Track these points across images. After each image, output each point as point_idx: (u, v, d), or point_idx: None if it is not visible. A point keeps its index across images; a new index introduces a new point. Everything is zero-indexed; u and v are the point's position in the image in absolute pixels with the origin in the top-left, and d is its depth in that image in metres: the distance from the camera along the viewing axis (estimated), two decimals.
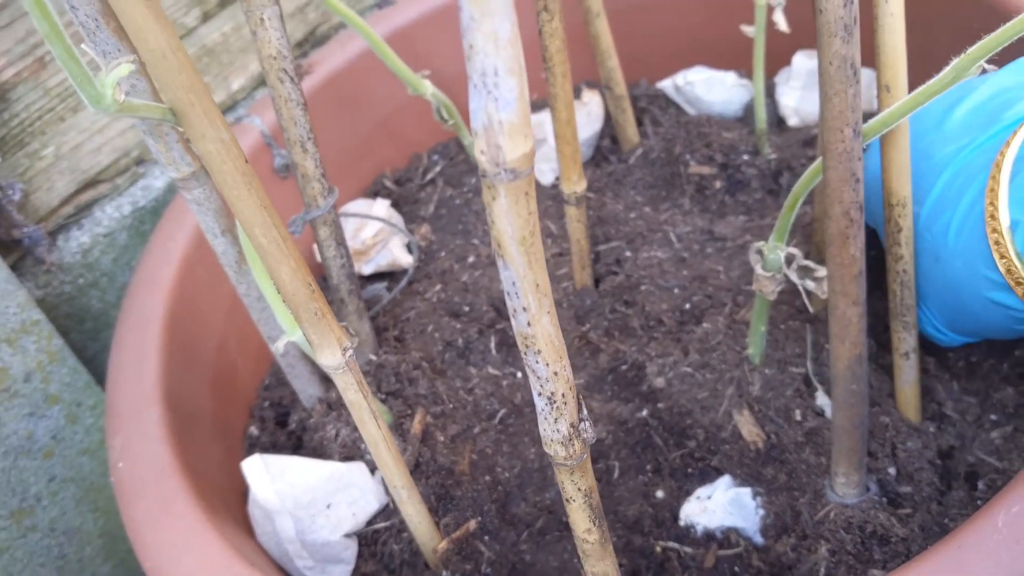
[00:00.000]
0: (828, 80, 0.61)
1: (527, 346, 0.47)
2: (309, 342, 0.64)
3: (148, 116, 0.47)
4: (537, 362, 0.48)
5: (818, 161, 0.67)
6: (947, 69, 0.58)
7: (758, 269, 0.78)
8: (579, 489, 0.56)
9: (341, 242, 0.87)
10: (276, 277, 0.59)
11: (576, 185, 0.93)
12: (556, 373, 0.49)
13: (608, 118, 1.17)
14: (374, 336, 0.96)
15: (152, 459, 0.81)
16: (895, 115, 0.63)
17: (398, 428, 0.90)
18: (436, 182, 1.20)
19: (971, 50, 0.56)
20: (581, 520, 0.58)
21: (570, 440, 0.52)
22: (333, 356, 0.65)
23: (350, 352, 0.65)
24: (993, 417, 0.83)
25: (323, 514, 0.84)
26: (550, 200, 1.13)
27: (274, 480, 0.83)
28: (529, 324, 0.46)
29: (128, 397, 0.86)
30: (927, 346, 0.87)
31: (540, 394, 0.50)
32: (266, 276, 0.77)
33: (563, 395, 0.50)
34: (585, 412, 0.53)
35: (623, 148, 1.17)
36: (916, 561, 0.61)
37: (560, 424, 0.51)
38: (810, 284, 0.78)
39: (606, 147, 1.19)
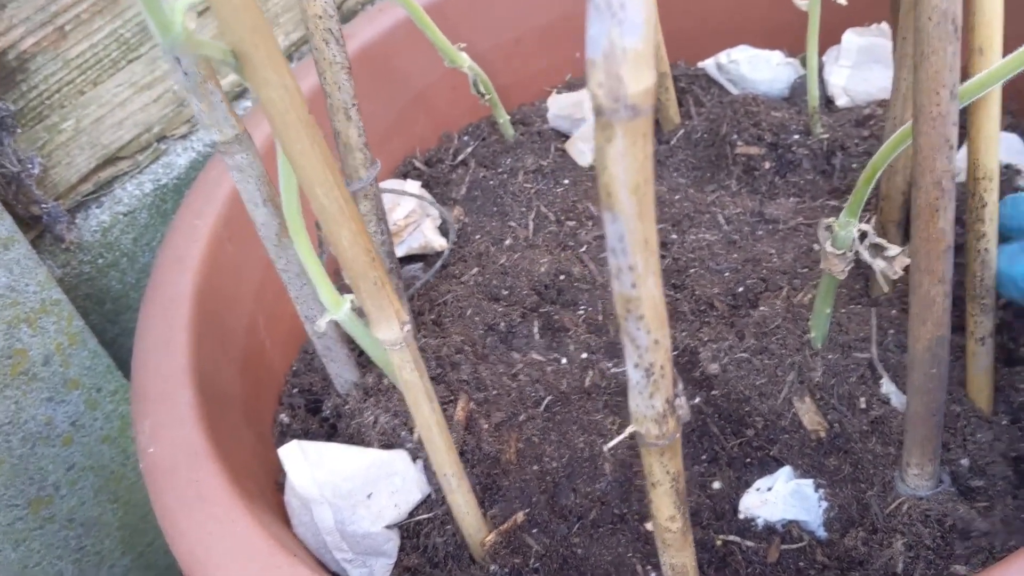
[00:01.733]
0: (925, 37, 0.57)
1: (628, 311, 0.43)
2: (367, 314, 0.59)
3: (213, 55, 0.43)
4: (638, 329, 0.43)
5: (905, 127, 0.63)
6: None
7: (828, 246, 0.73)
8: (667, 472, 0.51)
9: (382, 217, 0.83)
10: (335, 242, 0.55)
11: None
12: (657, 342, 0.44)
13: None
14: (412, 319, 0.92)
15: (184, 444, 0.76)
16: (993, 77, 0.59)
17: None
18: (468, 163, 1.16)
19: None
20: (665, 507, 0.54)
21: (664, 417, 0.48)
22: (391, 330, 0.60)
23: (408, 327, 0.61)
24: None
25: (364, 504, 0.79)
26: (590, 182, 1.09)
27: (313, 468, 0.79)
28: (634, 285, 0.41)
29: (157, 379, 0.82)
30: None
31: (637, 365, 0.45)
32: (310, 249, 0.73)
33: (661, 367, 0.46)
34: (680, 387, 0.48)
35: (664, 129, 1.13)
36: (1011, 560, 0.57)
37: (656, 399, 0.47)
38: (880, 263, 0.74)
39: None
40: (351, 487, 0.79)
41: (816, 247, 0.93)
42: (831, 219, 0.73)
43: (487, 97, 1.05)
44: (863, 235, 0.72)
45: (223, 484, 0.73)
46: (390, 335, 0.60)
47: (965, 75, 0.62)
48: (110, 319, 1.06)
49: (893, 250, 0.73)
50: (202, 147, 1.10)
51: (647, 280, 0.41)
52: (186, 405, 0.79)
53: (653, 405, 0.47)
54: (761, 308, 0.87)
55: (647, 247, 0.40)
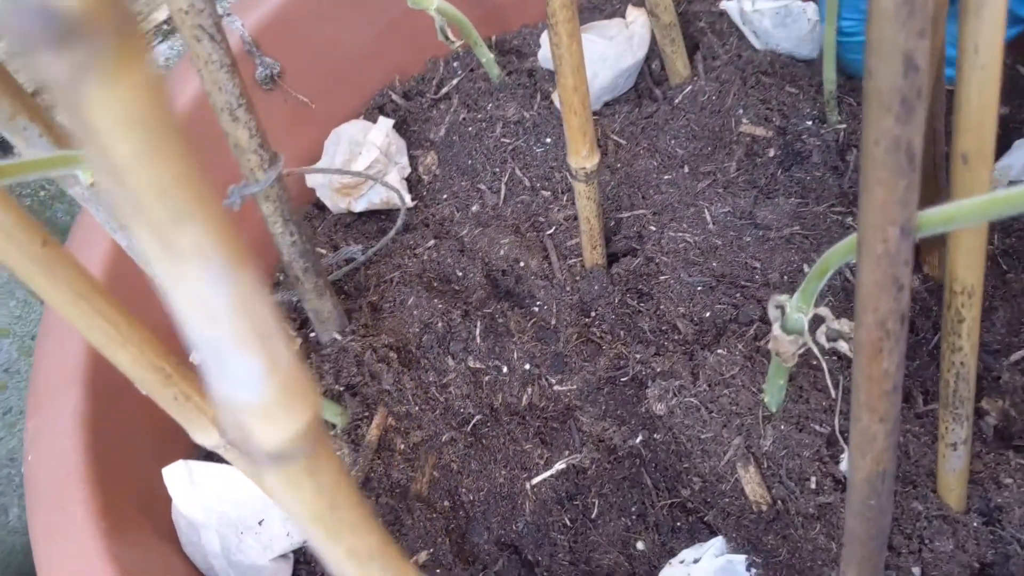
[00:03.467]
0: (871, 162, 0.43)
1: None
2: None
3: None
4: None
5: (852, 238, 0.50)
6: None
7: (776, 329, 0.61)
8: None
9: (290, 218, 0.73)
10: (117, 365, 0.47)
11: (586, 161, 0.75)
12: None
13: (655, 42, 0.97)
14: (339, 312, 0.83)
15: (60, 457, 0.71)
16: (963, 215, 0.46)
17: (352, 432, 0.78)
18: (451, 98, 1.03)
19: None
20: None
21: None
22: (208, 437, 0.53)
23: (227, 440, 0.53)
24: None
25: (253, 533, 0.74)
26: None
27: (199, 491, 0.73)
28: None
29: (51, 373, 0.76)
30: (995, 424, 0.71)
31: None
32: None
33: None
34: None
35: (671, 82, 0.97)
36: None
37: None
38: (843, 347, 0.62)
39: (654, 74, 1.00)
40: (240, 514, 0.73)
41: (807, 268, 0.80)
42: (783, 297, 0.60)
43: (457, 44, 0.91)
44: (817, 321, 0.60)
45: (89, 516, 0.68)
46: (208, 441, 0.53)
47: (937, 187, 0.48)
48: None
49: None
50: None
51: None
52: (71, 409, 0.73)
53: None
54: (721, 348, 0.75)
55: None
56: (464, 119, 1.00)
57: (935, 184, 0.72)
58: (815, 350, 0.59)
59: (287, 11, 0.94)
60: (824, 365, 0.60)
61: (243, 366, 0.24)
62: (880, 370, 0.51)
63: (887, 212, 0.44)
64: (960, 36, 0.46)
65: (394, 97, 1.05)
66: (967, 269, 0.53)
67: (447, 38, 0.90)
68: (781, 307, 0.61)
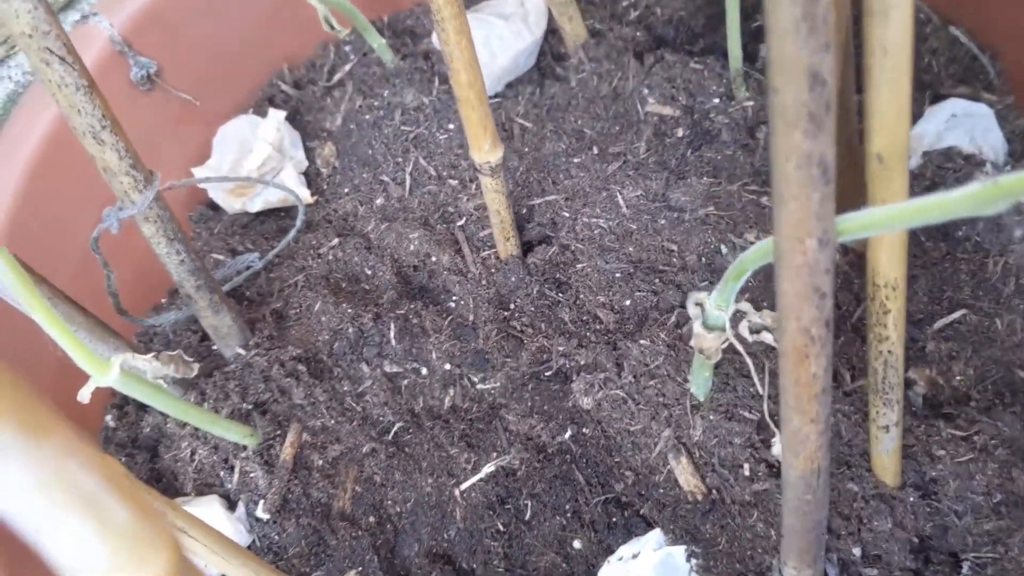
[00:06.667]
0: (783, 178, 0.41)
1: None
2: None
3: None
4: None
5: (768, 242, 0.47)
6: (967, 190, 0.37)
7: (697, 327, 0.59)
8: None
9: (175, 237, 0.68)
10: None
11: (489, 155, 0.72)
12: None
13: (553, 18, 0.92)
14: (239, 326, 0.78)
15: None
16: (879, 222, 0.44)
17: (265, 453, 0.74)
18: (345, 85, 0.98)
19: (1004, 179, 0.35)
20: None
21: None
22: None
23: None
24: (986, 483, 0.66)
25: None
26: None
27: None
28: None
29: None
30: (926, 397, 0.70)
31: None
32: (53, 317, 0.59)
33: None
34: None
35: (572, 60, 0.93)
36: None
37: None
38: (767, 338, 0.60)
39: (554, 52, 0.96)
40: None
41: (724, 249, 0.78)
42: (701, 295, 0.58)
43: (344, 34, 0.85)
44: (738, 317, 0.58)
45: None
46: None
47: (861, 187, 0.45)
48: None
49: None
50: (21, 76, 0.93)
51: None
52: None
53: None
54: (643, 340, 0.73)
55: None
56: (360, 106, 0.95)
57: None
58: (739, 347, 0.57)
59: (158, 6, 0.87)
60: (749, 361, 0.58)
61: (71, 535, 0.20)
62: (808, 375, 0.49)
63: (803, 226, 0.42)
64: (866, 38, 0.43)
65: (284, 87, 0.99)
66: (890, 264, 0.51)
67: (332, 27, 0.84)
68: (701, 304, 0.59)
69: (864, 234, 0.42)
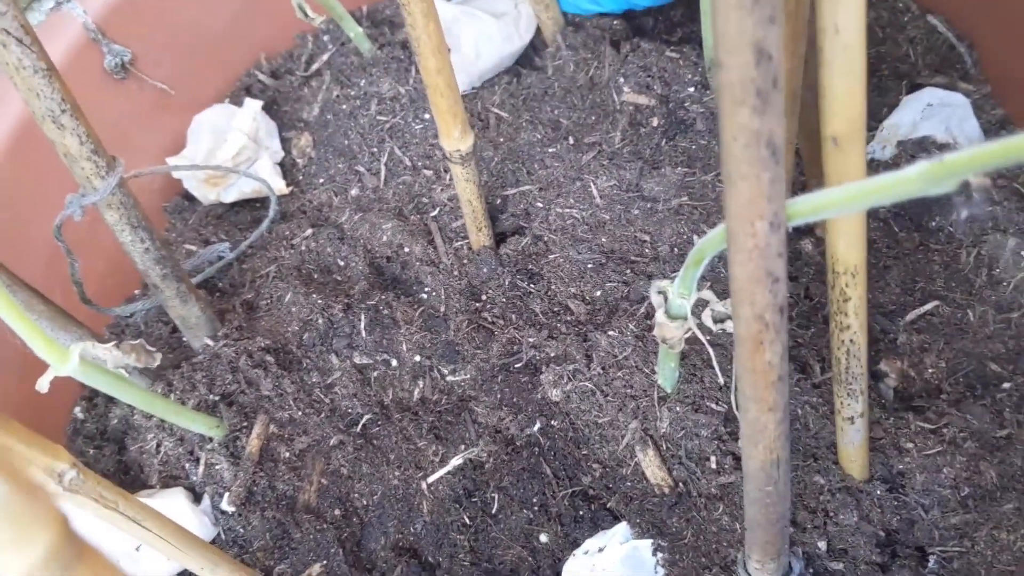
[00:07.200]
0: (731, 158, 0.40)
1: None
2: None
3: None
4: None
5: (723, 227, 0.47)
6: (914, 169, 0.37)
7: (660, 316, 0.58)
8: None
9: (139, 224, 0.67)
10: None
11: (459, 143, 0.71)
12: None
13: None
14: (208, 316, 0.77)
15: None
16: (832, 203, 0.43)
17: (231, 445, 0.73)
18: (323, 75, 0.97)
19: (949, 158, 0.35)
20: None
21: None
22: None
23: (71, 476, 0.48)
24: (953, 476, 0.65)
25: (130, 558, 0.69)
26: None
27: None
28: None
29: None
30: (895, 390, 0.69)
31: None
32: (12, 304, 0.58)
33: None
34: None
35: (550, 48, 0.93)
36: None
37: None
38: (731, 327, 0.59)
39: (533, 42, 0.95)
40: (114, 538, 0.68)
41: (697, 239, 0.77)
42: (664, 283, 0.57)
43: (319, 20, 0.85)
44: (700, 306, 0.57)
45: None
46: None
47: (818, 168, 0.45)
48: None
49: None
50: None
51: None
52: None
53: None
54: (612, 332, 0.72)
55: None
56: (337, 96, 0.94)
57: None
58: (700, 336, 0.56)
59: None
60: (710, 351, 0.57)
61: None
62: (763, 362, 0.49)
63: (753, 207, 0.41)
64: (818, 16, 0.42)
65: (261, 77, 0.99)
66: (848, 249, 0.50)
67: (306, 15, 0.84)
68: (663, 293, 0.58)
69: (816, 216, 0.41)
